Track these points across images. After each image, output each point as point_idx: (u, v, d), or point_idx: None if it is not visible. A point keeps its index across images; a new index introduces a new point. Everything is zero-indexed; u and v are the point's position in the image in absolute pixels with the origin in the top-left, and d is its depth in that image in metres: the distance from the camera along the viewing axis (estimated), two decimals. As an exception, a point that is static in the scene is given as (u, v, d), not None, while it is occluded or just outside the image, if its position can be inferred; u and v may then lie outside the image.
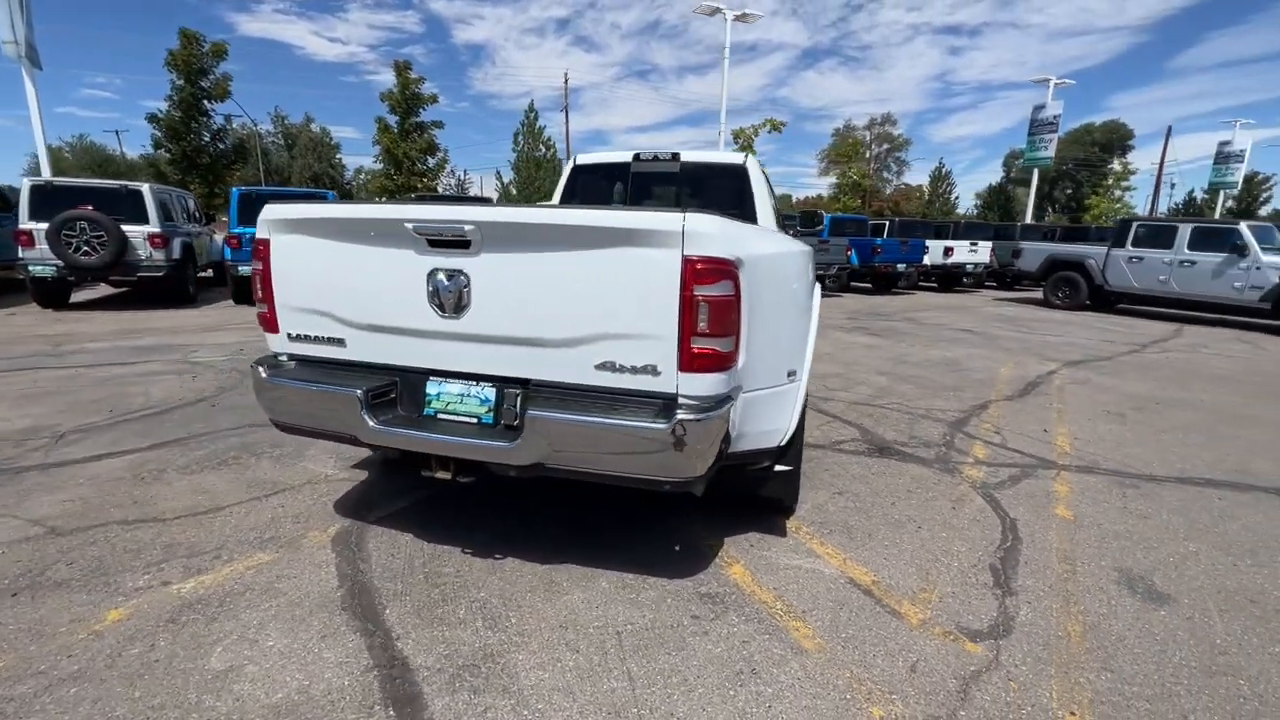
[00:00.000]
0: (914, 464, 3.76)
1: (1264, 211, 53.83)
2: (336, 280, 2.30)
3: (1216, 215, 31.43)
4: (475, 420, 2.23)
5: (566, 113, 35.87)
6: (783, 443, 2.48)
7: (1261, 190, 54.79)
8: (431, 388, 2.29)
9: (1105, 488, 3.50)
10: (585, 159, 4.74)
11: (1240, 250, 10.31)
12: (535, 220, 2.02)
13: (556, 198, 4.82)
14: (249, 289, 10.00)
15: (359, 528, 2.79)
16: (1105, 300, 12.29)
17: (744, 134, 23.84)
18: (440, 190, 22.63)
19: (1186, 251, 10.94)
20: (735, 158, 4.50)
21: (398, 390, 2.32)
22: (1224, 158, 28.98)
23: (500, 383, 2.21)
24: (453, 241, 2.07)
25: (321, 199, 13.22)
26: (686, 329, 1.94)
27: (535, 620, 2.18)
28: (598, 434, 1.99)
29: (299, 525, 2.80)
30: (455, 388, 2.26)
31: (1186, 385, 6.12)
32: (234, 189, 9.32)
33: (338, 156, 57.62)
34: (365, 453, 3.61)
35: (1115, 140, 59.17)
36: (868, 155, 58.26)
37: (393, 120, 19.93)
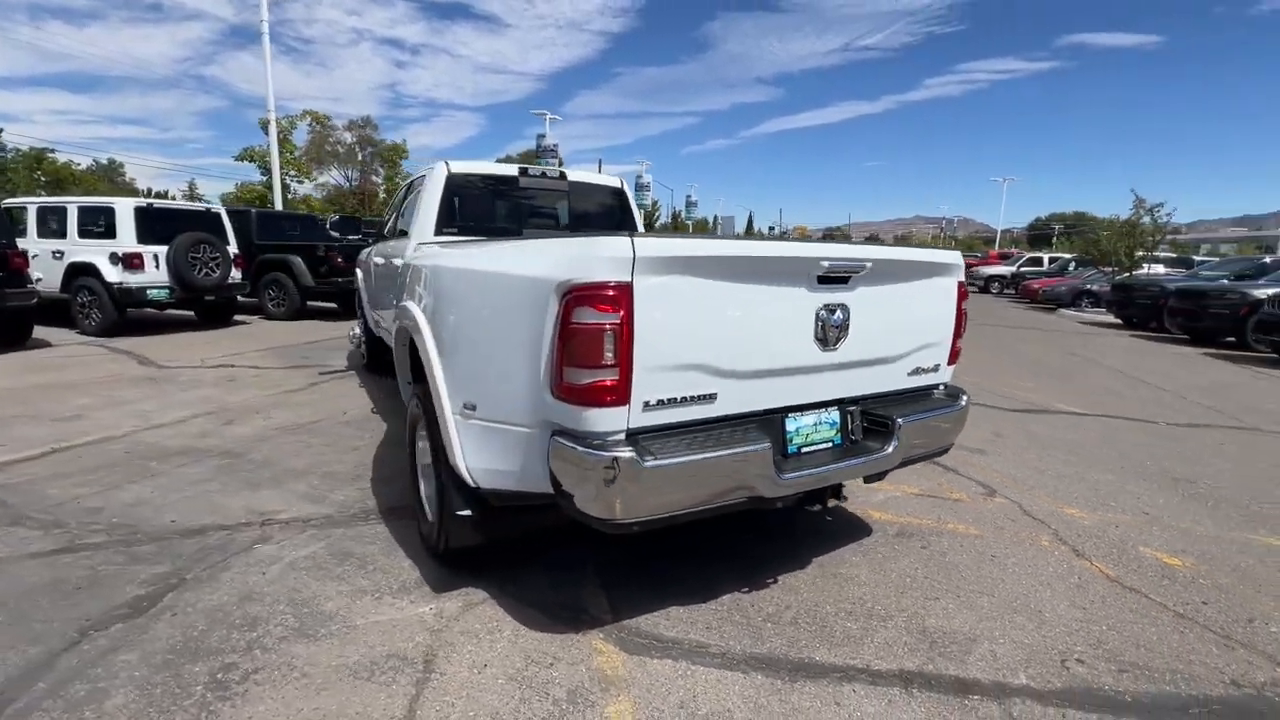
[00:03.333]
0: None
1: (659, 224, 78.07)
2: (717, 327, 1.97)
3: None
4: (829, 445, 2.35)
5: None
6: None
7: (656, 209, 79.80)
8: (790, 424, 2.25)
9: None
10: (460, 167, 4.15)
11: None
12: (903, 257, 2.36)
13: (428, 209, 4.04)
14: None
15: (631, 627, 2.28)
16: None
17: (279, 124, 20.45)
18: None
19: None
20: (613, 180, 4.83)
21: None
22: (640, 187, 41.32)
23: (842, 404, 2.40)
24: (838, 278, 2.18)
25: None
26: (956, 333, 2.69)
27: (881, 599, 2.53)
28: (941, 424, 2.54)
29: (576, 667, 2.07)
30: (810, 419, 2.30)
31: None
32: None
33: None
34: (411, 575, 2.60)
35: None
36: (359, 157, 56.50)
37: None
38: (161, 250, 8.18)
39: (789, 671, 2.08)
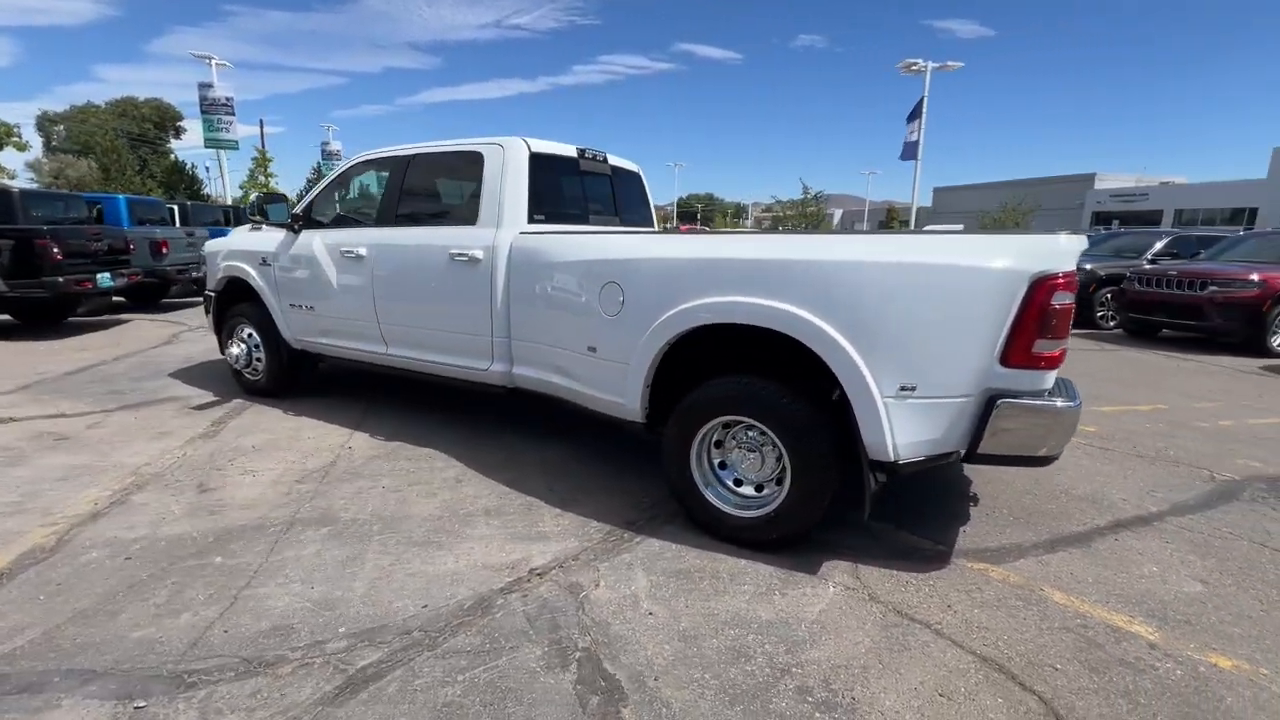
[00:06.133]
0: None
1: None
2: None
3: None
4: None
5: None
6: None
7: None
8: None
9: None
10: (540, 147, 3.82)
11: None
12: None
13: (515, 194, 3.61)
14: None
15: (967, 551, 2.80)
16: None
17: None
18: None
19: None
20: (633, 165, 4.84)
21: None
22: (328, 155, 35.88)
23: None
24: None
25: None
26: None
27: (1036, 489, 3.55)
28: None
29: (995, 585, 2.53)
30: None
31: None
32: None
33: None
34: (764, 569, 2.67)
35: (167, 119, 59.24)
36: None
37: None
38: None
39: (1075, 543, 2.91)
